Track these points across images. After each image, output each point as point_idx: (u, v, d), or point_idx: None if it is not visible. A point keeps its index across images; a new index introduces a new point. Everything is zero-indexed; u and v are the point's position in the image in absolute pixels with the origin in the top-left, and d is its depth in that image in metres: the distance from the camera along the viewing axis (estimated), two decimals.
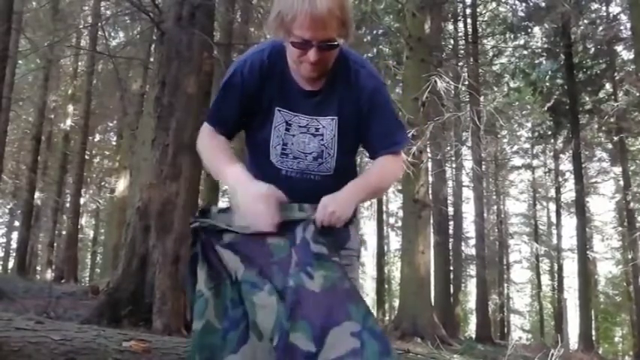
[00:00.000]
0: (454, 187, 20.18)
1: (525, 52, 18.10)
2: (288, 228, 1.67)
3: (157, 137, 6.49)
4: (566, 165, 22.24)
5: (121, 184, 16.61)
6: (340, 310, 1.55)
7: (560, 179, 23.30)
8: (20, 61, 17.33)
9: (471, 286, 26.23)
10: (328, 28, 1.59)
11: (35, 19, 15.67)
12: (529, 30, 17.17)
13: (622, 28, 16.10)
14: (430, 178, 12.91)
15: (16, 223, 23.39)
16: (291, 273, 1.61)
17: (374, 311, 24.24)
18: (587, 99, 18.48)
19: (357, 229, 2.04)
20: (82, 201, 21.72)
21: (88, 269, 30.84)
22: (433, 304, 12.01)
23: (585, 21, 16.27)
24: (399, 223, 21.68)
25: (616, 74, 17.85)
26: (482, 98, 15.18)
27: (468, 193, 22.40)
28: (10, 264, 24.15)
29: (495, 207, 25.68)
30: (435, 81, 10.28)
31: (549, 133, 20.46)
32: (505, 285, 26.78)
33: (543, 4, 15.33)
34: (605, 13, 17.35)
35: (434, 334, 9.99)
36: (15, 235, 23.85)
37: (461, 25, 19.75)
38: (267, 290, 1.61)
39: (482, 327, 17.58)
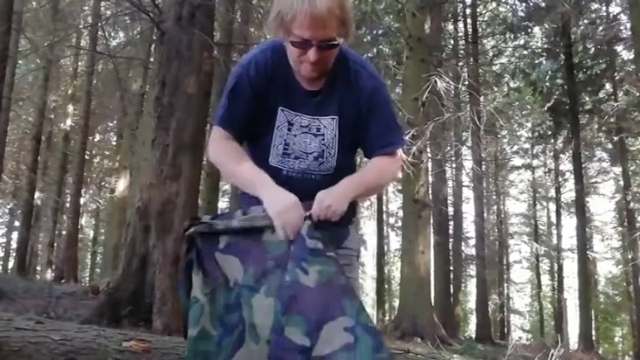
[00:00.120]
0: (454, 187, 20.18)
1: (525, 52, 18.11)
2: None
3: (157, 137, 6.50)
4: (566, 165, 22.27)
5: (121, 184, 16.62)
6: (335, 305, 1.56)
7: (560, 179, 23.30)
8: (20, 61, 17.33)
9: (471, 286, 26.24)
10: (328, 27, 1.60)
11: (35, 19, 15.67)
12: (529, 30, 17.17)
13: (622, 28, 16.11)
14: (430, 178, 12.91)
15: (16, 223, 23.39)
16: (287, 268, 1.62)
17: (374, 311, 24.41)
18: (587, 99, 18.48)
19: (357, 229, 2.04)
20: (82, 201, 21.72)
21: (88, 269, 30.83)
22: (433, 304, 12.01)
23: (585, 21, 16.27)
24: (399, 223, 21.68)
25: (616, 74, 17.84)
26: (482, 98, 15.18)
27: (467, 193, 22.43)
28: (10, 264, 24.15)
29: (495, 207, 25.67)
30: (435, 81, 10.28)
31: (549, 133, 20.46)
32: (505, 285, 26.78)
33: (543, 4, 15.33)
34: (605, 13, 17.36)
35: (434, 334, 9.99)
36: (15, 235, 23.86)
37: (461, 25, 19.75)
38: (264, 292, 1.61)
39: (482, 327, 17.58)
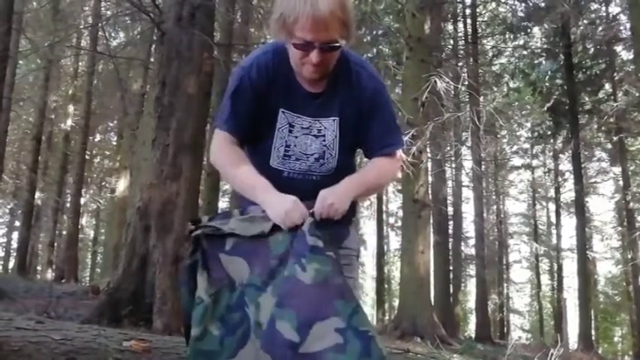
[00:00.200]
0: (454, 187, 20.17)
1: (525, 53, 18.09)
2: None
3: (157, 137, 6.50)
4: (565, 165, 22.26)
5: (122, 184, 16.62)
6: (328, 304, 1.56)
7: (560, 179, 23.29)
8: (21, 62, 17.33)
9: (471, 286, 26.24)
10: (330, 29, 1.61)
11: (36, 20, 15.66)
12: (529, 30, 17.15)
13: (621, 28, 16.10)
14: (430, 178, 12.90)
15: (17, 223, 23.40)
16: (287, 263, 1.63)
17: (374, 311, 24.41)
18: (587, 99, 18.47)
19: (357, 229, 2.05)
20: (82, 201, 21.70)
21: (88, 269, 30.80)
22: (433, 303, 12.01)
23: (585, 21, 16.25)
24: (399, 223, 21.67)
25: (615, 74, 17.83)
26: (481, 98, 15.19)
27: (467, 193, 22.42)
28: (11, 264, 24.12)
29: (495, 207, 25.65)
30: (435, 81, 10.28)
31: (549, 133, 20.44)
32: (505, 285, 26.76)
33: (543, 5, 15.32)
34: (604, 14, 17.34)
35: (434, 333, 9.99)
36: (15, 235, 23.88)
37: (461, 25, 19.74)
38: (270, 291, 1.62)
39: (482, 327, 17.58)
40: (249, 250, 1.69)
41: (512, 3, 17.26)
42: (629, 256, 18.36)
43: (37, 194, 18.85)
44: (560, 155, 21.84)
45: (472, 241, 21.70)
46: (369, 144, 1.88)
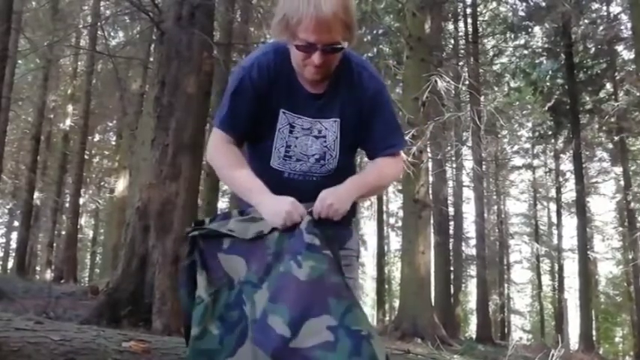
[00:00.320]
0: (454, 187, 20.17)
1: (526, 52, 18.12)
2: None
3: (156, 137, 6.50)
4: (566, 165, 22.28)
5: (121, 184, 16.62)
6: (321, 302, 1.56)
7: (561, 179, 23.31)
8: (20, 61, 17.33)
9: (472, 287, 26.23)
10: (333, 31, 1.60)
11: (35, 19, 15.69)
12: (529, 30, 17.17)
13: (622, 27, 16.13)
14: (430, 178, 12.92)
15: (16, 223, 23.40)
16: (284, 259, 1.64)
17: (374, 311, 24.44)
18: (588, 99, 18.48)
19: (357, 229, 2.05)
20: (81, 201, 21.72)
21: (87, 269, 30.85)
22: (433, 304, 12.01)
23: (586, 21, 16.27)
24: (399, 223, 21.69)
25: (616, 74, 17.85)
26: (482, 98, 15.18)
27: (468, 193, 22.43)
28: (10, 264, 24.17)
29: (496, 207, 25.69)
30: (436, 81, 10.28)
31: (550, 133, 20.46)
32: (505, 285, 26.78)
33: (544, 4, 15.33)
34: (605, 13, 17.36)
35: (434, 334, 9.99)
36: (14, 235, 23.90)
37: (461, 24, 19.76)
38: (266, 288, 1.62)
39: (483, 327, 17.58)
40: (247, 248, 1.69)
41: (513, 2, 17.30)
42: (630, 257, 18.39)
43: (36, 194, 18.85)
44: (561, 155, 21.88)
45: (473, 242, 21.71)
46: (371, 145, 1.88)
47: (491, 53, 19.25)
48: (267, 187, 1.79)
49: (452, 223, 18.82)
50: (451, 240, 18.13)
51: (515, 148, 22.81)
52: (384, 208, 26.48)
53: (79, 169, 19.02)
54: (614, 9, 17.25)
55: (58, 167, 20.21)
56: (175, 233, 6.09)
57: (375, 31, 15.22)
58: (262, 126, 1.80)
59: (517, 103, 18.69)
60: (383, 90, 1.86)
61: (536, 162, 24.97)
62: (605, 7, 17.42)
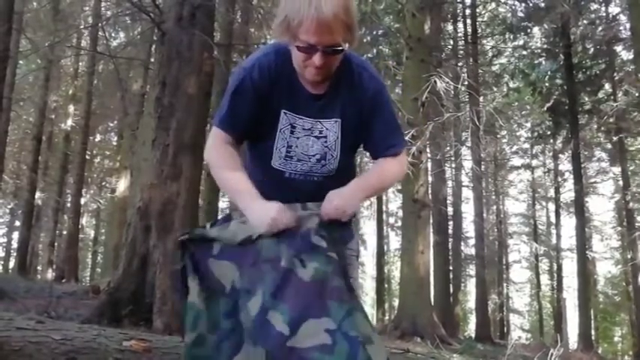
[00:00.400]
0: (454, 187, 20.15)
1: (525, 53, 18.08)
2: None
3: (157, 137, 6.50)
4: (565, 165, 22.25)
5: (122, 184, 16.61)
6: (322, 304, 1.57)
7: (560, 179, 23.27)
8: (21, 62, 17.32)
9: (471, 286, 26.22)
10: (334, 33, 1.61)
11: (36, 20, 15.66)
12: (528, 30, 17.13)
13: (621, 28, 16.09)
14: (430, 178, 12.90)
15: (17, 223, 23.38)
16: (287, 256, 1.64)
17: (374, 311, 24.39)
18: (587, 99, 18.45)
19: (357, 229, 2.07)
20: (82, 201, 21.68)
21: (88, 269, 30.78)
22: (433, 303, 12.00)
23: (585, 21, 16.24)
24: (399, 223, 21.65)
25: (615, 74, 17.81)
26: (481, 98, 15.18)
27: (467, 193, 22.42)
28: (11, 264, 24.12)
29: (495, 207, 25.64)
30: (435, 81, 10.28)
31: (549, 133, 20.43)
32: (504, 285, 26.74)
33: (543, 5, 15.31)
34: (604, 14, 17.33)
35: (433, 333, 9.99)
36: (16, 235, 23.84)
37: (460, 25, 19.72)
38: (261, 295, 1.62)
39: (482, 326, 17.57)
40: (238, 253, 1.69)
41: (512, 3, 17.25)
42: (629, 256, 18.36)
43: (38, 194, 18.85)
44: (560, 155, 21.82)
45: (472, 241, 21.70)
46: (373, 145, 1.90)
47: (490, 54, 19.23)
48: (267, 186, 1.81)
49: (451, 222, 18.79)
50: (450, 239, 18.11)
51: (514, 148, 22.82)
52: (384, 207, 26.45)
53: (80, 169, 18.99)
54: (613, 9, 17.25)
55: (60, 167, 20.18)
56: (176, 233, 6.09)
57: (374, 32, 15.20)
58: (263, 126, 1.81)
59: (516, 103, 18.69)
60: (383, 90, 1.87)
61: (535, 162, 24.94)
62: (604, 8, 17.39)
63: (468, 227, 22.43)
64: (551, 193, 25.14)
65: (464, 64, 17.81)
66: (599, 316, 27.41)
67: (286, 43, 1.71)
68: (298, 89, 1.78)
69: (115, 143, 23.36)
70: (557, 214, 23.98)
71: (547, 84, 17.97)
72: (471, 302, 26.72)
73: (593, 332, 20.58)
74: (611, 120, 15.98)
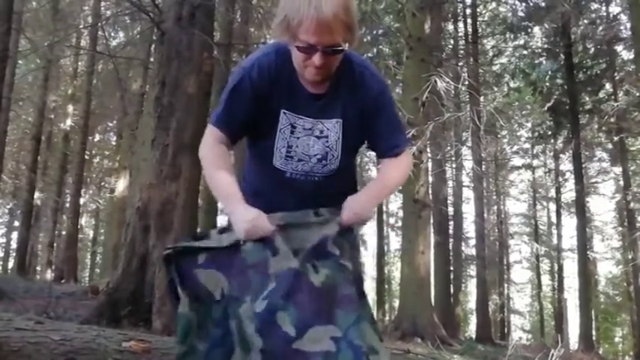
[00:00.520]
0: (454, 187, 20.16)
1: (525, 52, 18.09)
2: (299, 232, 1.70)
3: (156, 137, 6.50)
4: (566, 165, 22.26)
5: (121, 184, 16.61)
6: (329, 311, 1.58)
7: (561, 179, 23.29)
8: (20, 61, 17.32)
9: (471, 287, 26.21)
10: (334, 33, 1.60)
11: (35, 19, 15.67)
12: (529, 30, 17.14)
13: (622, 28, 16.09)
14: (430, 178, 12.89)
15: (16, 223, 23.38)
16: (299, 259, 1.63)
17: (374, 311, 24.35)
18: (587, 99, 18.45)
19: (358, 230, 2.07)
20: (81, 201, 21.69)
21: (87, 269, 30.82)
22: (433, 304, 12.00)
23: (585, 21, 16.25)
24: (399, 223, 21.66)
25: (616, 74, 17.82)
26: (482, 98, 15.15)
27: (468, 193, 22.42)
28: (10, 264, 24.15)
29: (495, 207, 25.66)
30: (435, 81, 10.27)
31: (549, 133, 20.43)
32: (505, 285, 26.75)
33: (543, 4, 15.31)
34: (605, 13, 17.33)
35: (434, 334, 9.98)
36: (15, 235, 23.86)
37: (461, 25, 19.73)
38: (250, 301, 1.61)
39: (483, 327, 17.56)
40: (224, 261, 1.69)
41: (513, 3, 17.27)
42: (630, 257, 18.37)
43: (37, 194, 18.84)
44: (561, 155, 21.85)
45: (472, 242, 21.68)
46: (378, 145, 1.90)
47: (490, 53, 19.24)
48: (268, 186, 1.83)
49: (452, 223, 18.80)
50: (451, 240, 18.11)
51: (515, 148, 22.79)
52: (384, 208, 26.45)
53: (79, 169, 18.99)
54: (614, 9, 17.25)
55: (59, 167, 20.19)
56: (175, 233, 6.09)
57: (374, 32, 15.20)
58: (263, 126, 1.80)
59: (517, 103, 18.68)
60: (385, 90, 1.87)
61: (535, 162, 24.95)
62: (604, 8, 17.40)
63: (469, 227, 22.46)
64: (552, 193, 25.16)
65: (464, 63, 17.80)
66: (600, 317, 27.42)
67: (286, 43, 1.70)
68: (298, 89, 1.77)
69: (114, 143, 23.39)
70: (558, 215, 24.00)
71: (548, 84, 17.96)
72: (471, 303, 26.74)
73: (594, 333, 20.59)
74: (611, 120, 15.99)
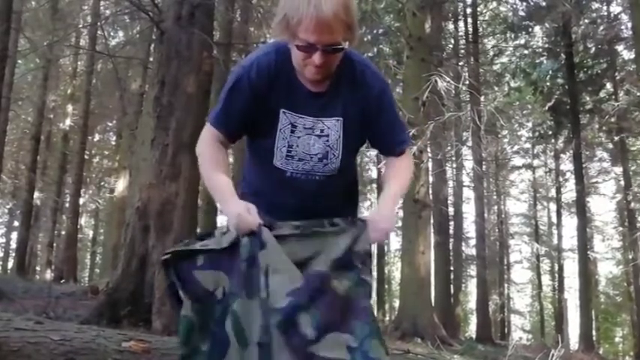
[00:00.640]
0: (454, 187, 20.17)
1: (526, 52, 18.10)
2: (313, 240, 1.70)
3: (156, 137, 6.50)
4: (566, 165, 22.26)
5: (121, 184, 16.61)
6: (347, 321, 1.62)
7: (561, 179, 23.29)
8: (19, 61, 17.31)
9: (472, 287, 26.22)
10: (334, 32, 1.60)
11: (34, 19, 15.68)
12: (530, 29, 17.15)
13: (623, 27, 16.13)
14: (430, 178, 12.90)
15: (16, 223, 23.39)
16: (328, 266, 1.66)
17: (374, 311, 24.39)
18: (588, 99, 18.45)
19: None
20: (81, 201, 21.70)
21: (87, 269, 30.84)
22: (433, 304, 12.01)
23: (586, 20, 16.25)
24: (399, 223, 21.60)
25: (617, 74, 17.83)
26: (482, 98, 15.14)
27: (468, 193, 22.42)
28: (10, 264, 24.15)
29: (496, 207, 25.68)
30: (436, 80, 10.26)
31: (550, 132, 20.43)
32: (505, 285, 26.77)
33: (544, 4, 15.32)
34: (605, 13, 17.35)
35: (434, 334, 9.98)
36: (14, 236, 23.88)
37: (461, 24, 19.74)
38: (246, 295, 1.62)
39: (483, 327, 17.57)
40: (225, 261, 1.69)
41: (513, 2, 17.27)
42: (630, 257, 18.39)
43: (36, 194, 18.83)
44: (562, 155, 21.86)
45: (473, 242, 21.68)
46: (382, 143, 1.91)
47: (491, 53, 19.24)
48: (268, 186, 1.83)
49: (452, 223, 18.81)
50: (451, 240, 18.11)
51: (516, 148, 22.76)
52: None
53: (78, 169, 19.00)
54: (615, 9, 17.26)
55: (58, 167, 20.20)
56: (175, 233, 6.09)
57: (375, 31, 15.20)
58: (263, 126, 1.79)
59: (517, 103, 18.64)
60: (387, 88, 1.87)
61: (536, 162, 24.95)
62: (605, 7, 17.42)
63: (469, 227, 22.47)
64: (553, 193, 25.17)
65: (465, 63, 17.81)
66: (600, 317, 27.43)
67: (286, 42, 1.70)
68: (297, 88, 1.77)
69: (113, 143, 23.40)
70: (559, 215, 24.01)
71: (548, 83, 17.95)
72: (471, 303, 26.75)
73: (594, 333, 20.61)
74: (612, 120, 15.98)
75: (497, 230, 24.60)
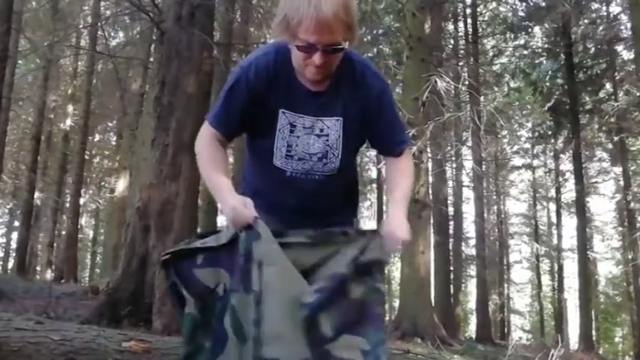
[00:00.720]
0: (454, 187, 20.15)
1: (526, 52, 18.08)
2: (324, 249, 1.72)
3: (156, 137, 6.50)
4: (566, 165, 22.24)
5: (121, 184, 16.61)
6: (361, 326, 1.65)
7: (561, 179, 23.27)
8: (20, 61, 17.31)
9: (472, 287, 26.20)
10: (334, 32, 1.60)
11: (35, 19, 15.67)
12: (529, 30, 17.14)
13: (622, 28, 16.09)
14: (430, 178, 12.88)
15: (16, 223, 23.37)
16: (348, 270, 1.68)
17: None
18: (588, 99, 18.44)
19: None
20: (81, 201, 21.69)
21: (87, 269, 30.82)
22: (433, 304, 11.99)
23: (585, 21, 16.24)
24: None
25: (616, 74, 17.82)
26: (482, 98, 15.13)
27: (468, 193, 22.40)
28: (10, 264, 24.13)
29: (495, 207, 25.65)
30: (435, 81, 10.26)
31: (549, 133, 20.42)
32: (505, 285, 26.75)
33: (543, 4, 15.31)
34: (605, 13, 17.34)
35: (434, 334, 9.97)
36: (15, 236, 23.83)
37: (461, 24, 19.72)
38: (244, 289, 1.62)
39: (483, 327, 17.56)
40: (225, 257, 1.70)
41: (513, 2, 17.25)
42: (630, 257, 18.37)
43: (37, 194, 18.83)
44: (561, 155, 21.84)
45: (473, 242, 21.67)
46: (382, 143, 1.92)
47: (491, 53, 19.22)
48: (268, 186, 1.84)
49: (452, 223, 18.80)
50: (451, 240, 18.10)
51: (515, 148, 22.73)
52: (384, 208, 26.40)
53: (79, 169, 19.00)
54: (614, 9, 17.25)
55: (59, 167, 20.19)
56: (175, 233, 6.09)
57: (375, 32, 15.19)
58: (262, 126, 1.80)
59: (517, 103, 18.61)
60: (387, 88, 1.88)
61: (535, 162, 24.92)
62: (604, 7, 17.40)
63: (469, 227, 22.46)
64: (552, 193, 25.14)
65: (464, 63, 17.79)
66: (600, 317, 27.41)
67: (286, 42, 1.70)
68: (296, 87, 1.77)
69: (114, 143, 23.38)
70: (558, 215, 23.99)
71: (548, 84, 17.94)
72: (471, 303, 26.73)
73: (594, 333, 20.59)
74: (612, 120, 15.98)
75: (496, 230, 24.58)
